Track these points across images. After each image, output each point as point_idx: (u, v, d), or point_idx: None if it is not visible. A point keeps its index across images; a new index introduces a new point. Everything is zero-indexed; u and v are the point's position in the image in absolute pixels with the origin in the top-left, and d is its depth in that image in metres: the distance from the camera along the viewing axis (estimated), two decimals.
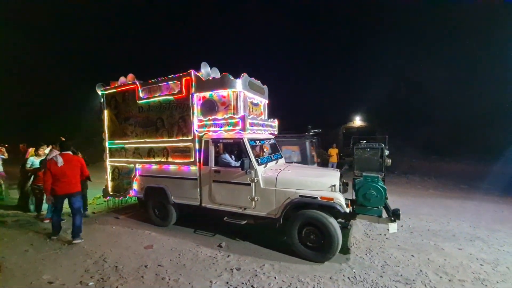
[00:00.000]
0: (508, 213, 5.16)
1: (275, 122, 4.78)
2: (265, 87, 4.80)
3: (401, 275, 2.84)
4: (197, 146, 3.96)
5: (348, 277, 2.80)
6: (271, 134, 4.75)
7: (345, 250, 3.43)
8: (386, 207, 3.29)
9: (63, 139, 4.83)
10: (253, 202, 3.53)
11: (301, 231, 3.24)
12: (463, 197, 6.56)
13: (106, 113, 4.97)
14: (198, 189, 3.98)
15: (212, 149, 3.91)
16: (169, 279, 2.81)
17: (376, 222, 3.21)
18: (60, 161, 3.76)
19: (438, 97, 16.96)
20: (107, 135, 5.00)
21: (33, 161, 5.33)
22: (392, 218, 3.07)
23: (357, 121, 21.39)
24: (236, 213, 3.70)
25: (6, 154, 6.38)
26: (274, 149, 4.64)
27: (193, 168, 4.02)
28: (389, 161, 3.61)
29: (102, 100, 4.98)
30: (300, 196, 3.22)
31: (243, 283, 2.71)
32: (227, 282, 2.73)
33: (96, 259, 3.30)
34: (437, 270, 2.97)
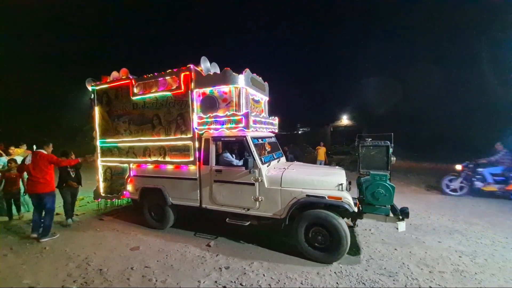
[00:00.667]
0: (485, 208, 5.35)
1: (276, 120, 4.67)
2: (266, 83, 4.68)
3: (385, 268, 2.94)
4: (197, 145, 3.78)
5: (335, 272, 2.86)
6: (271, 132, 4.64)
7: (355, 250, 3.38)
8: (392, 206, 3.26)
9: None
10: (257, 202, 3.40)
11: (308, 232, 3.15)
12: (443, 192, 6.73)
13: (97, 110, 4.67)
14: (198, 190, 3.81)
15: (213, 148, 3.74)
16: (156, 281, 2.75)
17: (384, 221, 3.16)
18: (28, 159, 3.84)
19: (420, 98, 17.54)
20: (98, 133, 4.70)
21: (5, 161, 4.93)
22: (401, 217, 3.03)
23: (345, 120, 21.69)
24: (239, 213, 3.56)
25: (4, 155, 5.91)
26: (275, 147, 4.53)
27: (193, 167, 3.84)
28: (393, 159, 3.58)
29: (92, 96, 4.67)
30: (306, 195, 3.12)
31: (231, 282, 2.70)
32: (216, 281, 2.71)
33: (79, 263, 3.16)
34: (418, 262, 3.08)
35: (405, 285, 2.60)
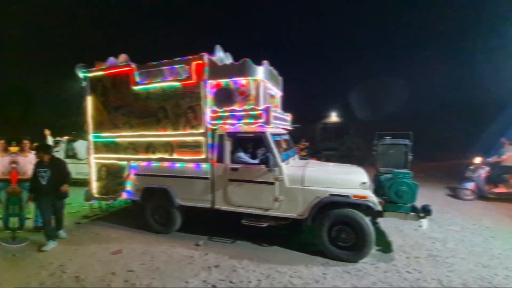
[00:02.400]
0: (455, 197, 5.93)
1: (289, 116, 4.49)
2: (281, 78, 4.47)
3: (368, 256, 3.06)
4: (209, 141, 3.50)
5: (322, 264, 2.97)
6: (284, 129, 4.46)
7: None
8: (412, 204, 3.26)
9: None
10: (277, 202, 3.23)
11: (330, 231, 3.05)
12: (420, 185, 7.06)
13: (90, 100, 4.15)
14: (211, 189, 3.54)
15: (228, 144, 3.48)
16: (140, 284, 2.62)
17: (404, 219, 3.16)
18: None
19: (400, 96, 18.53)
20: (91, 127, 4.19)
21: None
22: (422, 214, 3.03)
23: (333, 117, 22.08)
24: (255, 214, 3.37)
25: None
26: (290, 144, 4.36)
27: (205, 165, 3.55)
28: (410, 157, 3.60)
29: (84, 85, 4.14)
30: (330, 194, 3.02)
31: (221, 280, 2.67)
32: (205, 281, 2.66)
33: (52, 271, 2.91)
34: (397, 249, 3.31)
35: (385, 271, 2.78)
